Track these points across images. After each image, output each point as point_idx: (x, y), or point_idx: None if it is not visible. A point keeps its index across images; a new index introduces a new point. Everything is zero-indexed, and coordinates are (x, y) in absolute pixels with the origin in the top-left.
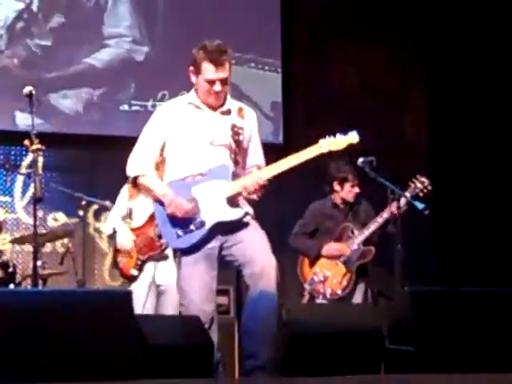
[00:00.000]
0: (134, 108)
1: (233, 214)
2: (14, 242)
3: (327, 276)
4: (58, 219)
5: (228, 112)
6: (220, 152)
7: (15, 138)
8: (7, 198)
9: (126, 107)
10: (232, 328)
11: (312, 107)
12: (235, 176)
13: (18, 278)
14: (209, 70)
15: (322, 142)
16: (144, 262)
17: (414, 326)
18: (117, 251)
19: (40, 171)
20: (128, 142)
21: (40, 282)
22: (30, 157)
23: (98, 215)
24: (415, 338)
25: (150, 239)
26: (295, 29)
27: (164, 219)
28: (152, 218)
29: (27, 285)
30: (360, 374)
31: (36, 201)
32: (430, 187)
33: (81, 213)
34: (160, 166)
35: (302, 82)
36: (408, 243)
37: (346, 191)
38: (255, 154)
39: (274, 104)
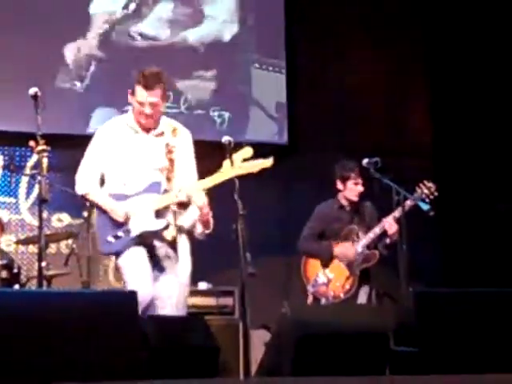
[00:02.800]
0: None
1: (157, 225)
2: (19, 243)
3: (330, 279)
4: (62, 220)
5: (161, 134)
6: (155, 175)
7: (20, 139)
8: (12, 199)
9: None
10: (236, 329)
11: (316, 107)
12: (166, 192)
13: (23, 278)
14: (141, 93)
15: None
16: None
17: (418, 327)
18: None
19: (45, 172)
20: None
21: (44, 282)
22: (34, 158)
23: None
24: (419, 339)
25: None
26: (299, 29)
27: (100, 227)
28: None
29: (32, 286)
30: (365, 375)
31: (41, 202)
32: (436, 193)
33: (85, 214)
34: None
35: (307, 82)
36: (413, 244)
37: (349, 189)
38: (186, 174)
39: (278, 104)
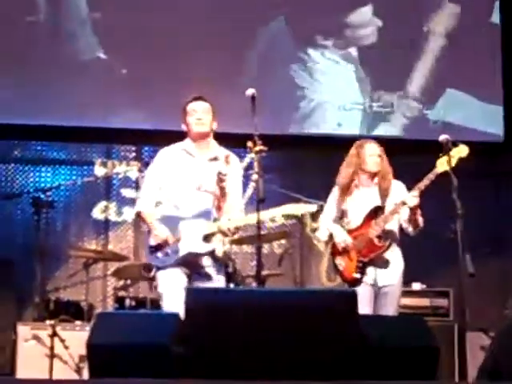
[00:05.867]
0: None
1: (203, 248)
2: (233, 242)
3: None
4: (275, 220)
5: (215, 159)
6: (205, 197)
7: (235, 140)
8: None
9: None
10: (451, 331)
11: None
12: (215, 220)
13: (238, 278)
14: (191, 106)
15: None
16: (365, 265)
17: None
18: (334, 253)
19: (261, 172)
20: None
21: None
22: (247, 158)
23: (314, 216)
24: None
25: (369, 240)
26: None
27: (147, 243)
28: (369, 218)
29: (246, 285)
30: None
31: (259, 201)
32: None
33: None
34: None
35: None
36: None
37: None
38: (235, 202)
39: (493, 102)
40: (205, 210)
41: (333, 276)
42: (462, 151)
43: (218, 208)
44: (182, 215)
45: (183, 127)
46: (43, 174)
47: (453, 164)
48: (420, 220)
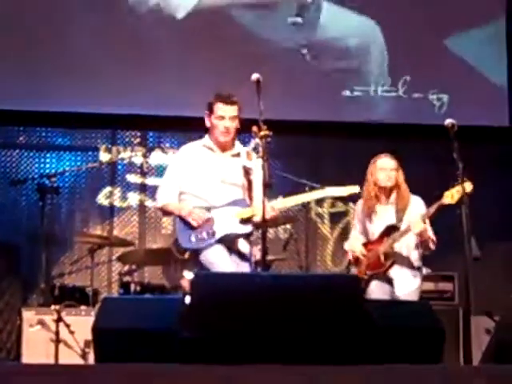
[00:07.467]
0: (356, 93)
1: (241, 229)
2: None
3: None
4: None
5: (237, 155)
6: (232, 189)
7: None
8: None
9: (347, 93)
10: (456, 314)
11: None
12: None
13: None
14: (220, 108)
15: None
16: (370, 279)
17: None
18: (349, 262)
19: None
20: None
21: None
22: (252, 143)
23: (320, 201)
24: None
25: (377, 256)
26: None
27: (181, 227)
28: (382, 236)
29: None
30: None
31: (265, 187)
32: None
33: None
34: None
35: None
36: None
37: None
38: (258, 196)
39: (499, 87)
40: (239, 199)
41: (338, 260)
42: (467, 188)
43: (250, 198)
44: (212, 204)
45: (206, 122)
46: (48, 160)
47: (456, 199)
48: (431, 244)
